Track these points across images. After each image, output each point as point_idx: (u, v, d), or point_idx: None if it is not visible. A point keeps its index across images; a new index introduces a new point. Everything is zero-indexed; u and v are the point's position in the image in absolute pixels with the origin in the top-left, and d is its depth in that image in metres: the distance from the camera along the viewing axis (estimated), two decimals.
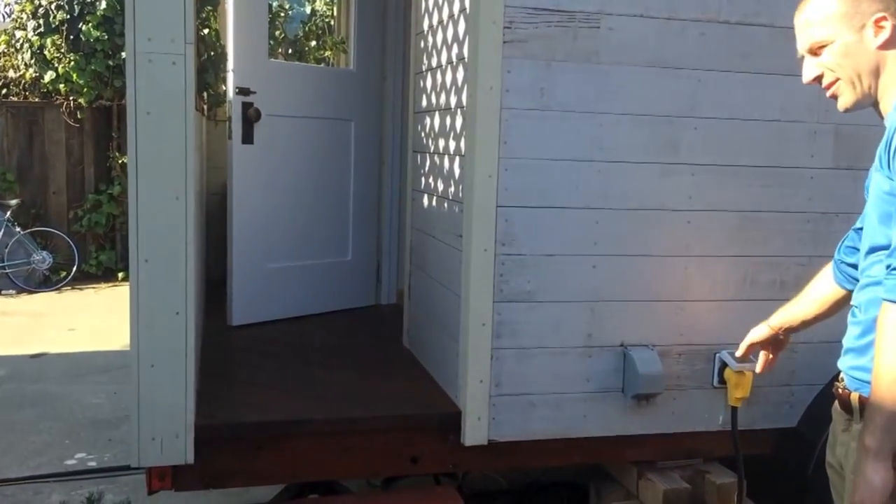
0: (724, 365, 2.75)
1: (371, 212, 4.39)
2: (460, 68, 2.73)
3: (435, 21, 3.10)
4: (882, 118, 1.61)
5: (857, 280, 1.64)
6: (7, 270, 8.03)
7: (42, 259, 8.17)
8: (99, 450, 4.03)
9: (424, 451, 2.70)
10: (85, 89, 8.18)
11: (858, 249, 1.66)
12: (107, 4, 7.88)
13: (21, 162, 8.49)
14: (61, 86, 8.21)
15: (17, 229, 8.10)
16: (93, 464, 3.86)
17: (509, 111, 2.54)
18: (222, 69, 4.09)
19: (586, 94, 2.59)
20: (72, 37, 8.03)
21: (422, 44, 3.34)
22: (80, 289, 8.22)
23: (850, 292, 1.71)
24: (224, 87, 4.14)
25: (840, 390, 1.64)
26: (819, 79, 1.63)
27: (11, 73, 8.60)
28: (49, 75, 8.12)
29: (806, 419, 2.84)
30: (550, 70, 2.55)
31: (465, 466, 2.80)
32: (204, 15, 4.13)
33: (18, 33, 8.29)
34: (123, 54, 7.86)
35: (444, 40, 2.95)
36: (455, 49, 2.81)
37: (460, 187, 2.73)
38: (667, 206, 2.69)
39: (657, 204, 2.69)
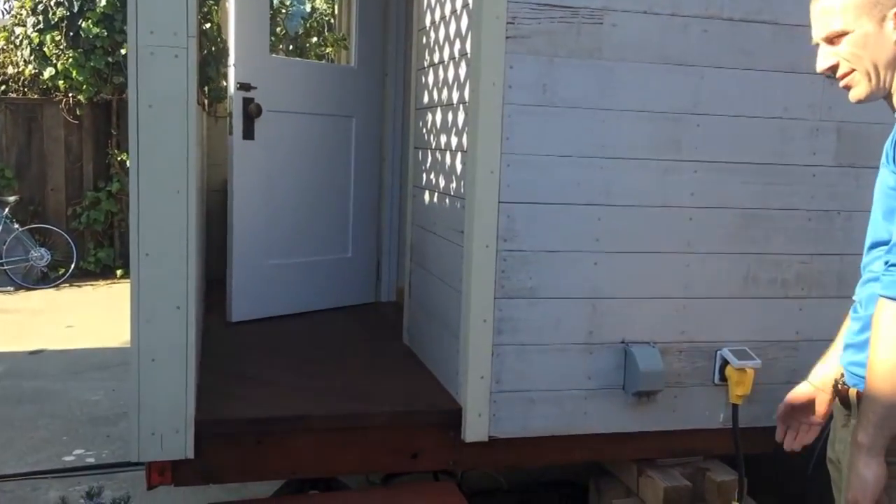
0: (725, 362, 2.75)
1: (371, 208, 4.39)
2: (462, 64, 2.73)
3: (437, 17, 3.10)
4: (894, 111, 1.59)
5: None
6: (5, 267, 8.02)
7: (40, 256, 8.16)
8: (97, 446, 4.02)
9: (425, 448, 2.69)
10: (84, 86, 8.16)
11: None
12: (106, 1, 7.87)
13: (20, 159, 8.47)
14: (60, 82, 8.20)
15: (16, 226, 8.09)
16: (91, 460, 3.85)
17: (512, 107, 2.53)
18: (224, 64, 4.09)
19: (589, 90, 2.58)
20: (71, 33, 8.02)
21: (424, 40, 3.34)
22: (79, 286, 8.20)
23: None
24: (225, 83, 4.14)
25: (839, 386, 1.64)
26: (833, 68, 1.59)
27: (10, 70, 8.59)
28: (48, 72, 8.11)
29: None
30: (553, 66, 2.55)
31: (465, 463, 2.79)
32: (206, 9, 4.13)
33: (18, 30, 8.27)
34: (123, 51, 7.86)
35: (447, 36, 2.95)
36: (457, 45, 2.80)
37: (462, 183, 2.72)
38: (669, 203, 2.69)
39: (659, 201, 2.68)
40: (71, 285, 8.20)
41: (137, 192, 2.27)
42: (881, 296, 1.43)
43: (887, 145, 1.54)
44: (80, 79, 8.10)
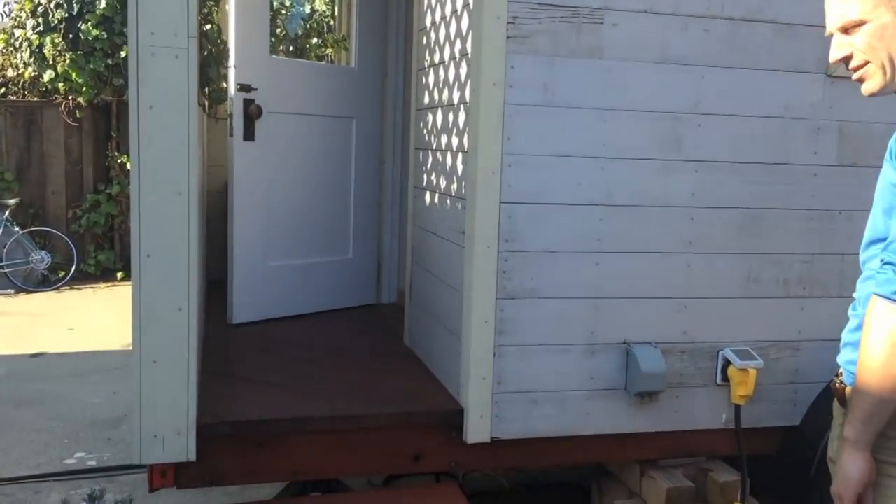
0: (727, 362, 2.74)
1: (372, 210, 4.38)
2: (463, 64, 2.72)
3: (437, 17, 3.09)
4: None
5: None
6: (5, 270, 8.01)
7: (41, 259, 8.15)
8: (98, 449, 4.01)
9: (426, 449, 2.69)
10: (84, 88, 8.16)
11: None
12: (106, 3, 7.87)
13: (20, 161, 8.47)
14: (60, 85, 8.20)
15: (16, 229, 8.09)
16: (92, 463, 3.84)
17: (513, 107, 2.53)
18: (224, 65, 4.08)
19: (590, 89, 2.58)
20: (71, 36, 8.01)
21: (424, 40, 3.33)
22: (79, 289, 8.20)
23: None
24: (225, 84, 4.13)
25: (837, 385, 1.63)
26: (847, 59, 1.54)
27: (10, 73, 8.59)
28: (48, 74, 8.11)
29: (810, 417, 2.83)
30: (554, 66, 2.54)
31: (467, 464, 2.79)
32: (206, 10, 4.13)
33: (17, 32, 8.27)
34: (122, 53, 7.85)
35: (447, 36, 2.94)
36: (458, 45, 2.80)
37: (463, 184, 2.72)
38: (670, 203, 2.69)
39: (660, 200, 2.68)
40: (71, 288, 8.19)
41: (138, 193, 2.27)
42: (874, 293, 1.43)
43: (892, 142, 1.53)
44: (80, 81, 8.10)
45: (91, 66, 8.05)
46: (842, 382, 1.61)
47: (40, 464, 3.82)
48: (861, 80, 1.55)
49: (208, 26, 4.16)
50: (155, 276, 2.29)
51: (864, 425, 1.44)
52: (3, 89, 8.61)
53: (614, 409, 2.72)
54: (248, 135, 3.73)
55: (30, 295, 7.95)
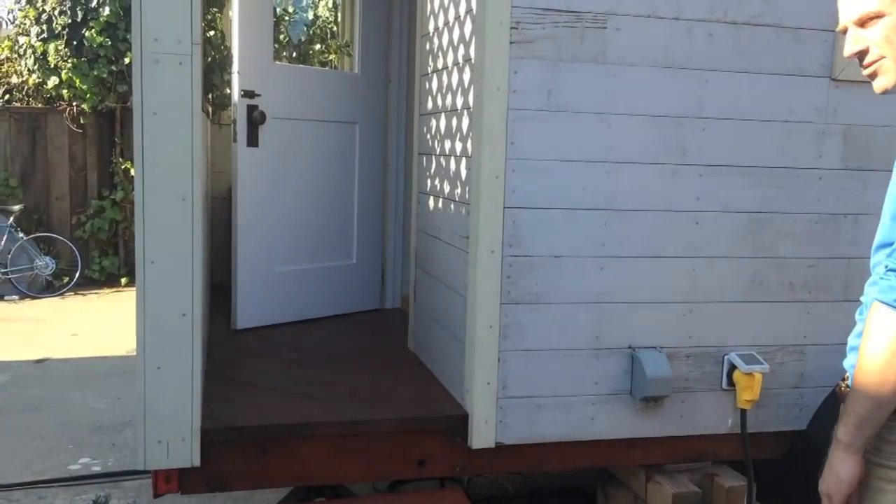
0: (733, 367, 2.74)
1: (375, 215, 4.38)
2: (467, 69, 2.72)
3: (441, 23, 3.10)
4: None
5: None
6: (10, 276, 8.02)
7: (45, 265, 8.16)
8: (103, 454, 4.01)
9: (431, 455, 2.68)
10: (88, 95, 8.18)
11: None
12: (110, 10, 7.89)
13: (24, 168, 8.49)
14: (64, 91, 8.21)
15: (20, 235, 8.10)
16: (97, 468, 3.84)
17: (516, 112, 2.53)
18: (227, 71, 4.09)
19: (594, 94, 2.58)
20: (75, 42, 8.03)
21: (427, 46, 3.34)
22: (83, 294, 8.21)
23: None
24: (229, 90, 4.14)
25: (843, 389, 1.62)
26: (862, 54, 1.48)
27: (14, 79, 8.61)
28: (52, 81, 8.13)
29: (816, 422, 2.82)
30: (558, 71, 2.54)
31: (471, 469, 2.78)
32: (210, 17, 4.14)
33: (21, 39, 8.29)
34: (126, 60, 7.87)
35: (451, 42, 2.95)
36: (461, 50, 2.80)
37: (467, 189, 2.71)
38: (675, 207, 2.68)
39: (665, 205, 2.67)
40: (75, 294, 8.20)
41: (143, 199, 2.27)
42: (876, 299, 1.43)
43: None
44: (84, 88, 8.12)
45: (95, 73, 8.08)
46: (847, 387, 1.60)
47: (45, 469, 3.82)
48: (873, 76, 1.49)
49: (212, 33, 4.17)
50: (159, 282, 2.29)
51: (859, 429, 1.43)
52: (7, 96, 8.64)
53: (620, 414, 2.71)
54: (252, 141, 3.74)
55: (34, 301, 7.96)
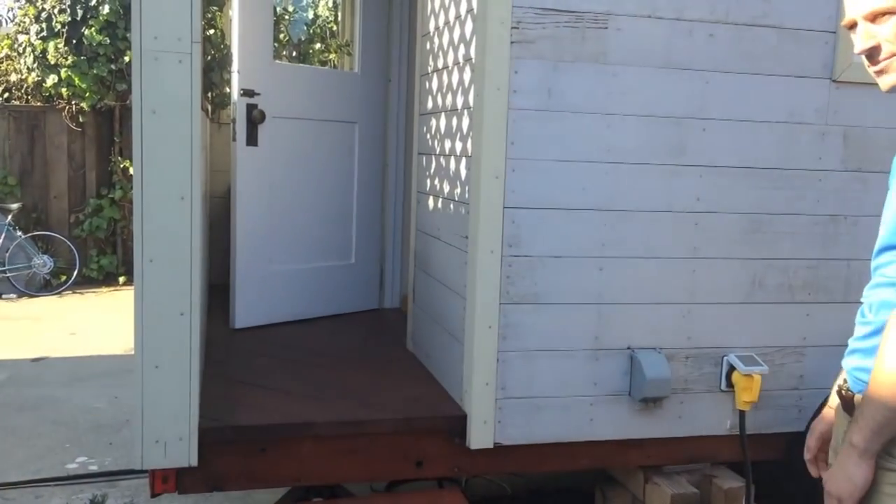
0: (732, 368, 2.73)
1: (374, 215, 4.38)
2: (467, 69, 2.72)
3: (441, 22, 3.09)
4: None
5: None
6: (8, 274, 8.01)
7: (43, 263, 8.15)
8: (100, 454, 4.00)
9: (429, 455, 2.68)
10: (87, 93, 8.17)
11: None
12: (109, 9, 7.88)
13: (22, 166, 8.48)
14: (63, 90, 8.20)
15: (19, 233, 8.09)
16: (94, 468, 3.83)
17: (517, 112, 2.52)
18: (227, 70, 4.08)
19: (594, 94, 2.57)
20: (74, 41, 8.02)
21: (427, 45, 3.33)
22: (81, 293, 8.20)
23: None
24: (228, 89, 4.13)
25: (844, 392, 1.59)
26: (873, 50, 1.44)
27: (14, 77, 8.60)
28: (51, 79, 8.12)
29: None
30: (558, 71, 2.54)
31: (470, 470, 2.77)
32: (210, 15, 4.13)
33: (21, 37, 8.28)
34: (126, 58, 7.85)
35: (451, 41, 2.94)
36: (462, 50, 2.80)
37: (466, 188, 2.71)
38: (674, 208, 2.68)
39: (665, 206, 2.67)
40: (73, 292, 8.19)
41: (141, 198, 2.26)
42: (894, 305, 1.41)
43: None
44: (83, 86, 8.11)
45: (94, 71, 8.06)
46: (848, 389, 1.57)
47: (42, 468, 3.80)
48: (881, 74, 1.45)
49: (212, 31, 4.16)
50: (158, 281, 2.29)
51: (875, 435, 1.41)
52: (6, 94, 8.62)
53: (618, 415, 2.71)
54: (251, 140, 3.73)
55: (32, 299, 7.95)
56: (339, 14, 6.47)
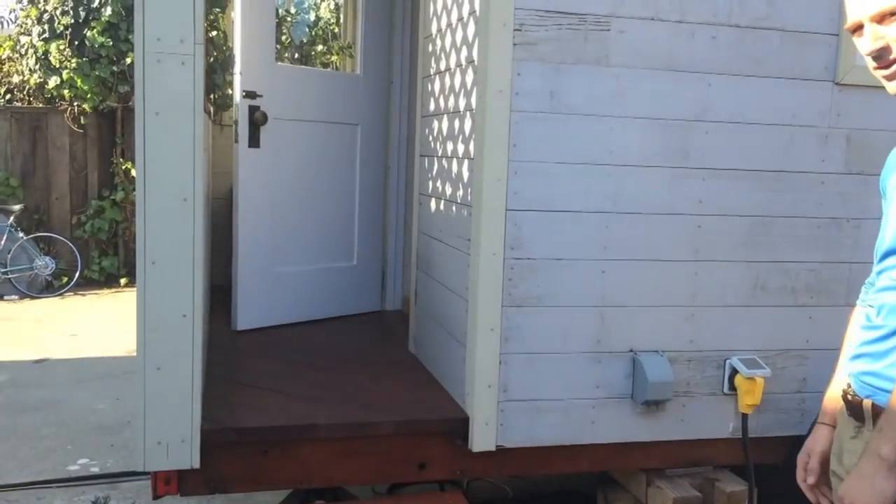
0: (734, 371, 2.73)
1: (376, 217, 4.38)
2: (469, 71, 2.72)
3: (443, 24, 3.09)
4: None
5: None
6: (10, 276, 8.01)
7: (45, 265, 8.15)
8: (102, 455, 4.00)
9: (431, 457, 2.68)
10: (89, 95, 8.18)
11: None
12: (112, 10, 7.88)
13: (24, 167, 8.49)
14: (65, 91, 8.21)
15: (20, 235, 8.09)
16: (95, 469, 3.83)
17: (519, 114, 2.52)
18: (229, 72, 4.08)
19: (596, 97, 2.57)
20: (76, 42, 8.03)
21: (430, 47, 3.33)
22: (83, 294, 8.20)
23: None
24: (231, 90, 4.13)
25: (850, 397, 1.56)
26: (882, 51, 1.41)
27: (16, 79, 8.61)
28: (53, 81, 8.12)
29: None
30: (560, 73, 2.54)
31: (472, 472, 2.77)
32: (212, 17, 4.13)
33: (23, 39, 8.29)
34: (128, 60, 7.86)
35: (453, 43, 2.94)
36: (464, 52, 2.80)
37: (469, 191, 2.71)
38: (677, 211, 2.67)
39: (667, 208, 2.67)
40: (75, 294, 8.19)
41: (144, 199, 2.26)
42: None
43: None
44: (85, 88, 8.12)
45: (96, 73, 8.07)
46: (855, 394, 1.55)
47: (43, 470, 3.80)
48: (891, 78, 1.43)
49: (214, 33, 4.16)
50: (160, 283, 2.29)
51: None
52: (8, 95, 8.64)
53: (620, 418, 2.70)
54: (254, 141, 3.73)
55: (34, 301, 7.95)
56: (342, 16, 6.47)
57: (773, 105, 2.71)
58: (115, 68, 8.13)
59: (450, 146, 2.97)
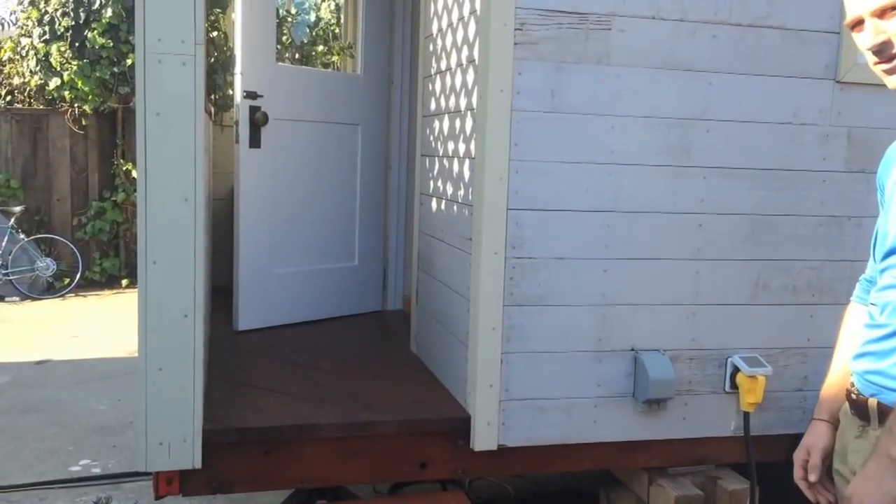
0: (736, 369, 2.73)
1: (377, 217, 4.38)
2: (470, 71, 2.72)
3: (444, 24, 3.09)
4: None
5: None
6: (11, 277, 8.02)
7: (46, 266, 8.16)
8: (104, 456, 4.00)
9: (433, 457, 2.68)
10: (90, 96, 8.18)
11: None
12: (112, 12, 7.89)
13: (25, 169, 8.49)
14: (66, 93, 8.22)
15: (21, 236, 8.10)
16: (97, 470, 3.83)
17: (520, 113, 2.52)
18: (230, 72, 4.08)
19: (597, 96, 2.57)
20: (77, 44, 8.04)
21: (430, 47, 3.33)
22: (84, 296, 8.20)
23: None
24: (231, 91, 4.13)
25: (854, 395, 1.56)
26: (884, 46, 1.40)
27: (16, 80, 8.62)
28: (54, 82, 8.13)
29: None
30: (561, 72, 2.54)
31: (473, 472, 2.77)
32: (213, 17, 4.13)
33: (24, 40, 8.30)
34: (129, 61, 7.88)
35: (454, 43, 2.94)
36: (465, 51, 2.80)
37: (470, 190, 2.71)
38: (678, 210, 2.67)
39: (669, 207, 2.66)
40: (76, 295, 8.20)
41: (145, 200, 2.26)
42: None
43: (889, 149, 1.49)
44: (86, 89, 8.12)
45: (97, 74, 8.08)
46: (859, 393, 1.54)
47: (45, 471, 3.81)
48: (892, 72, 1.42)
49: (215, 33, 4.17)
50: (161, 283, 2.29)
51: None
52: (9, 97, 8.64)
53: (622, 417, 2.70)
54: (254, 142, 3.73)
55: (35, 302, 7.96)
56: (342, 16, 6.47)
57: (774, 103, 2.71)
58: (115, 69, 8.14)
59: (451, 146, 2.97)
